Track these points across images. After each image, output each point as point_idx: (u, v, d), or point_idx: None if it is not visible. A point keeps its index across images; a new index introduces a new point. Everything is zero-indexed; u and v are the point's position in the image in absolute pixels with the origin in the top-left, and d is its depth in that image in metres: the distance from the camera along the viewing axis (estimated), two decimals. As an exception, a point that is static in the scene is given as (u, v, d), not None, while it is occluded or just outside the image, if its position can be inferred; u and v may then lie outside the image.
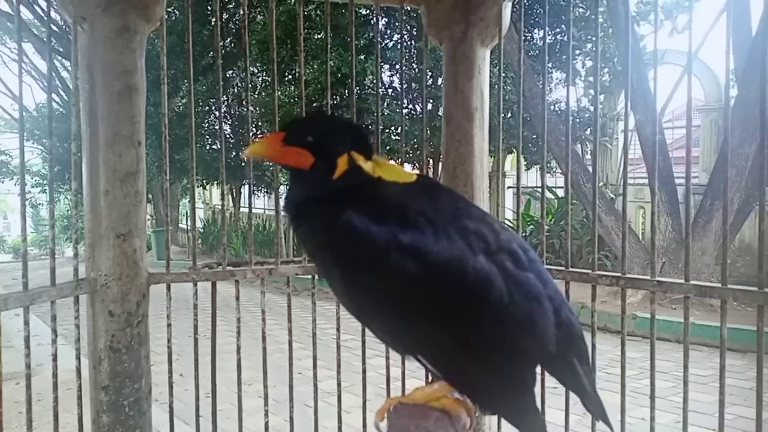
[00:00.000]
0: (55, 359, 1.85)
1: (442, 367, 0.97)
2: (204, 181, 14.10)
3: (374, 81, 9.92)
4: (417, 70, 10.24)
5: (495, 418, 2.16)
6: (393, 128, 10.44)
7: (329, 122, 1.08)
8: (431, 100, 9.18)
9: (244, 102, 12.80)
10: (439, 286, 0.91)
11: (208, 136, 13.25)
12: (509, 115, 9.14)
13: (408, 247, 0.90)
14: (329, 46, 2.27)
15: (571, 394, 1.13)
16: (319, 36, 10.19)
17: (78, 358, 1.95)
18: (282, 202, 1.09)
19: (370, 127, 10.00)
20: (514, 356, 0.95)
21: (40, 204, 18.76)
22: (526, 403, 0.97)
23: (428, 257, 0.90)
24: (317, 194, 1.00)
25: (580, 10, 9.82)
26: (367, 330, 2.15)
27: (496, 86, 2.23)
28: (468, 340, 0.92)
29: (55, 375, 1.84)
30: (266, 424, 2.12)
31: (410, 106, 10.71)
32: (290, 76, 10.75)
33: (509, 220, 11.35)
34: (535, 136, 10.06)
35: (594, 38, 2.11)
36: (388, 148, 10.12)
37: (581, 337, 1.05)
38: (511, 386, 0.96)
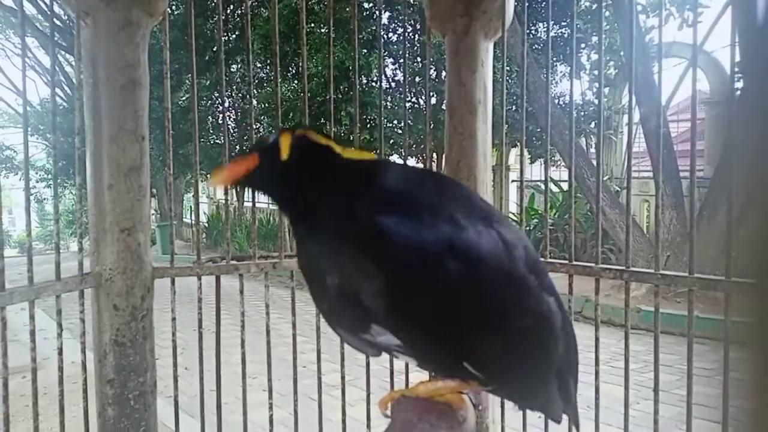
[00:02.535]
0: (60, 353, 1.86)
1: (491, 371, 0.92)
2: (208, 175, 14.12)
3: (378, 75, 9.91)
4: (420, 63, 10.22)
5: (498, 413, 2.16)
6: (396, 122, 10.43)
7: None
8: (434, 94, 9.17)
9: (247, 96, 12.79)
10: (489, 287, 0.85)
11: (212, 131, 13.27)
12: (513, 108, 9.11)
13: (461, 248, 0.81)
14: (332, 39, 2.27)
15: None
16: (322, 30, 10.17)
17: (83, 351, 1.96)
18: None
19: (374, 121, 10.00)
20: (548, 354, 0.95)
21: (45, 199, 18.82)
22: (553, 392, 0.98)
23: (480, 257, 0.83)
24: (279, 189, 0.90)
25: (585, 2, 9.77)
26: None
27: (500, 79, 2.22)
28: (516, 341, 0.90)
29: (60, 369, 1.85)
30: (270, 417, 2.13)
31: (414, 99, 10.70)
32: (294, 71, 10.74)
33: (513, 214, 11.34)
34: (539, 130, 10.04)
35: (599, 31, 2.10)
36: (391, 141, 10.12)
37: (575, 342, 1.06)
38: (546, 382, 0.97)
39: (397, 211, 0.81)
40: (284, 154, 0.87)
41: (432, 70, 9.80)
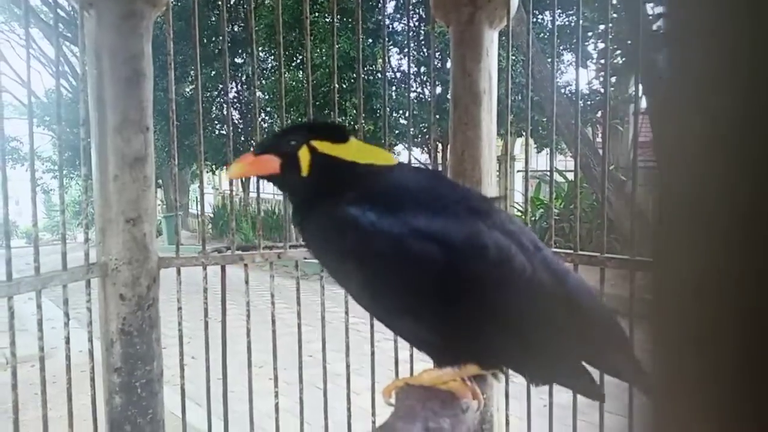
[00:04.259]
0: (68, 342, 1.88)
1: (484, 347, 0.95)
2: (213, 166, 14.16)
3: (383, 65, 9.82)
4: (426, 53, 10.17)
5: (502, 401, 2.17)
6: (401, 112, 10.40)
7: (289, 126, 1.13)
8: (439, 84, 9.13)
9: (251, 87, 12.78)
10: (463, 267, 0.89)
11: (217, 122, 13.28)
12: (518, 97, 9.06)
13: (422, 232, 0.88)
14: (337, 29, 2.26)
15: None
16: (326, 19, 10.13)
17: (90, 341, 1.98)
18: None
19: (379, 112, 9.97)
20: (547, 323, 0.94)
21: (51, 190, 18.91)
22: (571, 365, 0.97)
23: (446, 238, 0.88)
24: (302, 198, 1.00)
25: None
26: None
27: (505, 69, 2.21)
28: (502, 315, 0.91)
29: (68, 357, 1.87)
30: (276, 405, 2.15)
31: (419, 89, 10.66)
32: (298, 60, 10.71)
33: (519, 204, 11.32)
34: (545, 119, 9.99)
35: (605, 20, 2.09)
36: (396, 131, 10.09)
37: None
38: (550, 353, 0.95)
39: (370, 204, 0.90)
40: (304, 171, 0.99)
41: (437, 60, 9.75)
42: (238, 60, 12.82)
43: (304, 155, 0.99)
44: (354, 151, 1.01)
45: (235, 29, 12.36)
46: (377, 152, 1.03)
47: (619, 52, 10.31)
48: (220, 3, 2.07)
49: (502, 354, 0.96)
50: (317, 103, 9.02)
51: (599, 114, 10.81)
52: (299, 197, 1.02)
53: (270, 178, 1.04)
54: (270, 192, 17.36)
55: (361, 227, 0.89)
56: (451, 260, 0.87)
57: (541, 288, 0.92)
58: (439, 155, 10.29)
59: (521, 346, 0.94)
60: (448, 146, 2.29)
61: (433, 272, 0.88)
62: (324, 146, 1.00)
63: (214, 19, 11.21)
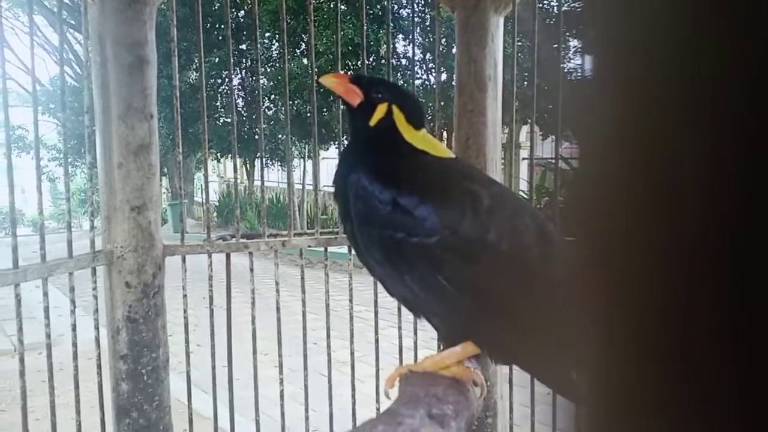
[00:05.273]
0: (74, 329, 1.89)
1: (468, 330, 0.99)
2: (218, 154, 14.14)
3: (387, 51, 9.71)
4: (432, 39, 10.09)
5: (506, 389, 2.18)
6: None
7: (392, 83, 1.25)
8: (444, 70, 9.07)
9: (256, 74, 12.71)
10: (428, 235, 0.94)
11: (222, 109, 13.24)
12: (524, 84, 8.99)
13: (404, 207, 0.97)
14: (341, 15, 2.24)
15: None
16: (331, 5, 10.05)
17: (96, 328, 1.99)
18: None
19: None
20: (519, 301, 0.94)
21: (57, 178, 18.95)
22: (542, 352, 0.96)
23: (418, 210, 0.96)
24: (354, 135, 1.16)
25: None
26: (379, 302, 2.17)
27: (511, 55, 2.19)
28: (459, 283, 0.94)
29: (74, 345, 1.88)
30: (281, 392, 2.16)
31: (424, 76, 10.59)
32: (303, 47, 10.65)
33: (524, 192, 11.28)
34: (550, 106, 9.93)
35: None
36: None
37: None
38: (517, 331, 0.96)
39: (373, 177, 1.01)
40: (372, 122, 1.11)
41: (442, 46, 9.67)
42: (242, 47, 12.76)
43: (380, 110, 1.11)
44: (416, 136, 1.11)
45: (239, 15, 12.29)
46: (437, 145, 1.13)
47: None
48: (223, -11, 2.06)
49: (472, 328, 0.98)
50: (321, 90, 8.97)
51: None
52: (353, 136, 1.18)
53: (346, 104, 1.15)
54: (274, 180, 17.37)
55: (354, 190, 1.03)
56: (417, 228, 0.95)
57: (519, 265, 0.94)
58: (444, 143, 10.26)
59: (481, 319, 0.96)
60: (453, 134, 2.27)
61: (398, 234, 0.96)
62: (399, 117, 1.11)
63: (217, 5, 11.14)
